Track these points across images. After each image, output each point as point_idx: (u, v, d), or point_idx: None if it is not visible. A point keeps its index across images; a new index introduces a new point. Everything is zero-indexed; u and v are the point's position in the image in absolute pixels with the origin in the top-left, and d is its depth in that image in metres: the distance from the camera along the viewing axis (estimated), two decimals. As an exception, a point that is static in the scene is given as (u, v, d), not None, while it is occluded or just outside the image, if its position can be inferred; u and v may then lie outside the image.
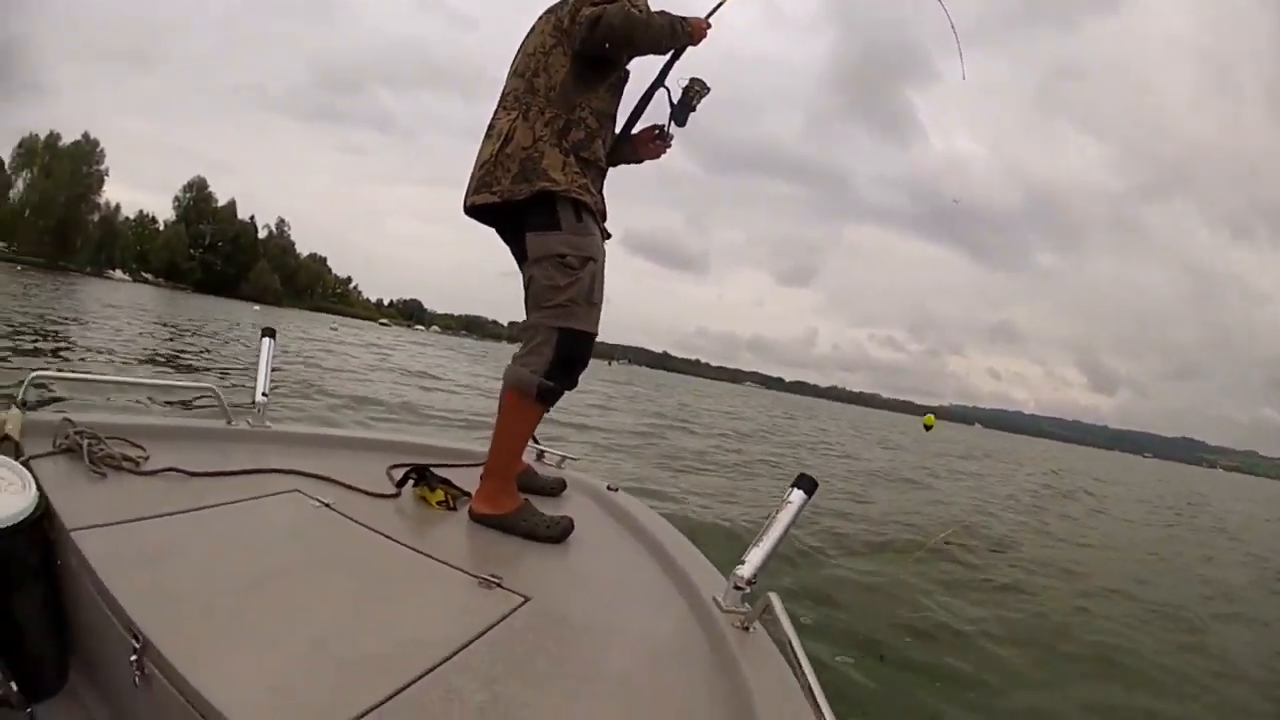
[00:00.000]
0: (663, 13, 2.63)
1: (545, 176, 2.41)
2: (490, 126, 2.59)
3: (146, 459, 2.22)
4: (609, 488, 3.08)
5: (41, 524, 1.63)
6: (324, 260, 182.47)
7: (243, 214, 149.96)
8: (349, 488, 2.41)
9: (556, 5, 2.64)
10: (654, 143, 2.88)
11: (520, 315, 2.56)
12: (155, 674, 1.30)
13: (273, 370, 3.08)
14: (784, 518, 1.88)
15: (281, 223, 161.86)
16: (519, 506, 2.43)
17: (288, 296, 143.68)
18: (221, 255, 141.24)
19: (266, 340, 3.12)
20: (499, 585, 1.87)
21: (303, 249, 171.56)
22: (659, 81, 2.78)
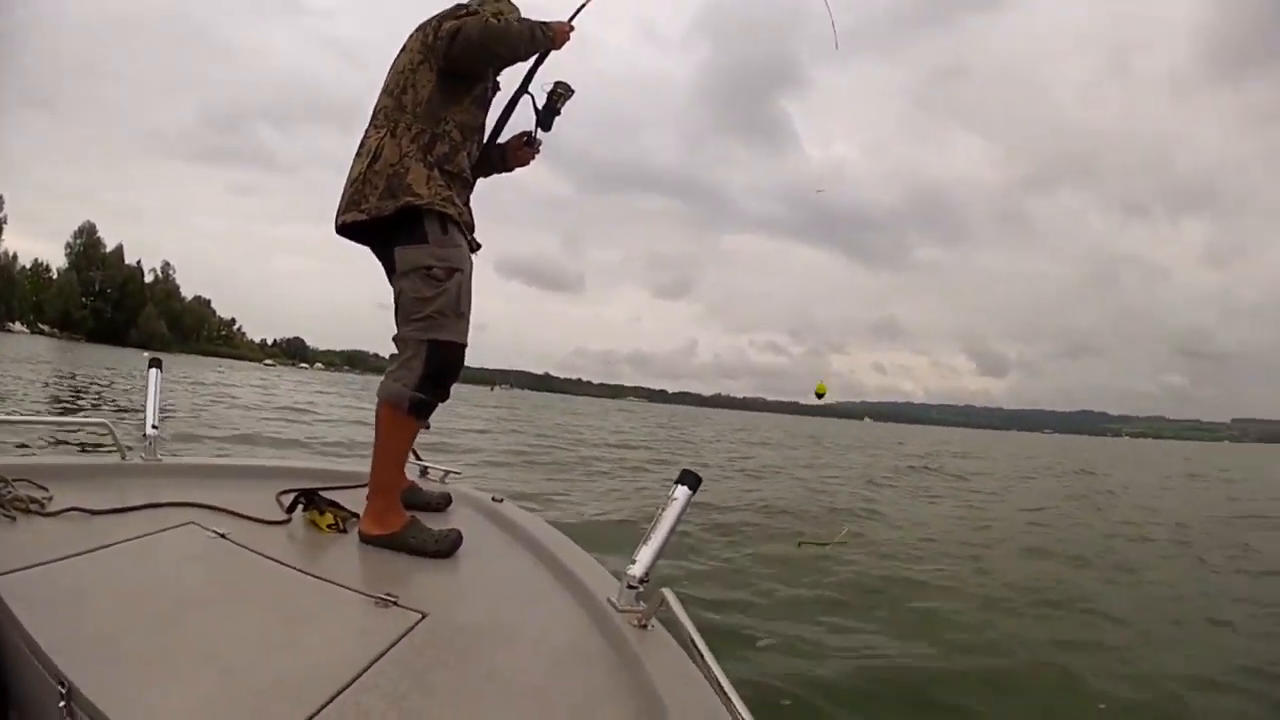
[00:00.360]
0: (522, 20, 2.62)
1: (410, 191, 2.40)
2: (361, 144, 2.57)
3: (50, 499, 2.19)
4: (494, 499, 3.04)
5: None
6: (208, 303, 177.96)
7: (130, 258, 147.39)
8: (242, 516, 2.38)
9: (426, 22, 2.61)
10: (523, 149, 2.89)
11: (396, 346, 2.56)
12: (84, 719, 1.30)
13: (162, 413, 3.02)
14: (670, 515, 1.89)
15: (167, 266, 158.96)
16: (406, 524, 2.39)
17: (175, 341, 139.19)
18: (111, 302, 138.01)
19: (153, 371, 3.06)
20: (395, 604, 1.86)
21: (188, 291, 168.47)
22: (523, 88, 2.78)
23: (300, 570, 2.06)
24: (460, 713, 1.44)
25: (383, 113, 2.55)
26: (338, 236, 2.57)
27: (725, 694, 1.41)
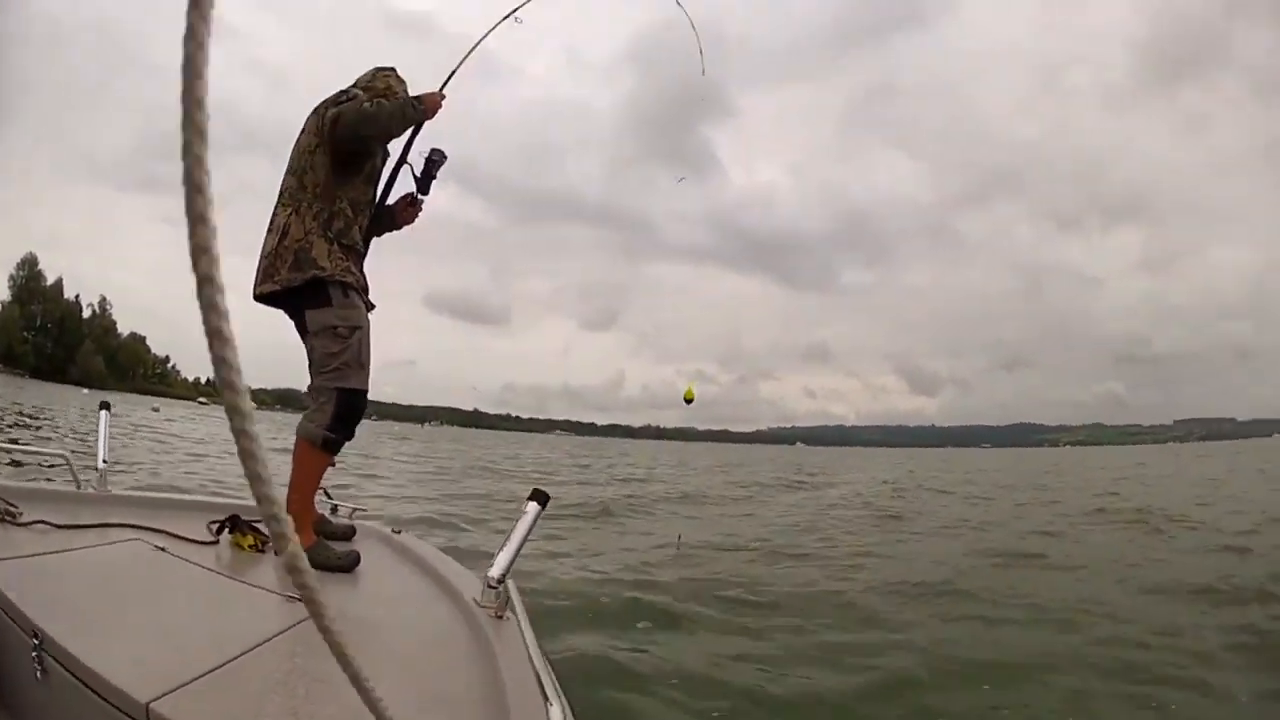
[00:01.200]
0: (394, 98, 2.92)
1: (315, 265, 2.73)
2: (271, 220, 2.86)
3: (21, 514, 2.53)
4: (394, 530, 3.33)
5: None
6: (143, 340, 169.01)
7: (69, 291, 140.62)
8: (178, 537, 2.72)
9: (319, 105, 2.90)
10: (407, 209, 3.21)
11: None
12: (54, 666, 1.53)
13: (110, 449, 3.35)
14: (522, 525, 2.18)
15: (104, 301, 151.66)
16: (314, 544, 2.70)
17: (111, 378, 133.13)
18: (51, 338, 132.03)
19: (104, 413, 3.40)
20: (299, 600, 2.36)
21: (124, 327, 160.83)
22: (402, 159, 3.09)
23: (225, 575, 2.45)
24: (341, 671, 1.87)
25: (288, 192, 2.87)
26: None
27: (549, 672, 1.67)
